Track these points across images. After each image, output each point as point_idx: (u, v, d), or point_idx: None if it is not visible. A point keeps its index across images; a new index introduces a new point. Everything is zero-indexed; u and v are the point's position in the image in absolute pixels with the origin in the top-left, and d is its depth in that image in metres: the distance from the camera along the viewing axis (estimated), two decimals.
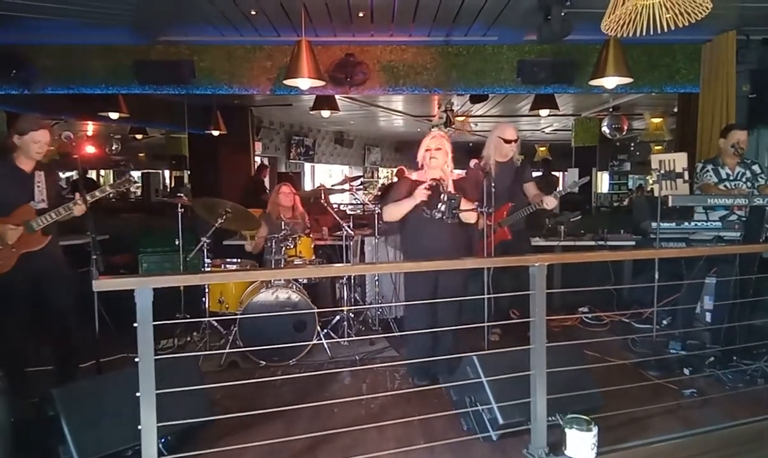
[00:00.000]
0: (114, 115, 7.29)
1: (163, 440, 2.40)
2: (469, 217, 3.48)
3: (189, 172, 10.41)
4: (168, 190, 12.50)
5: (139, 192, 13.06)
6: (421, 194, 3.40)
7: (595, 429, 2.49)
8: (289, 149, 12.09)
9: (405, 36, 5.62)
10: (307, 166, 13.35)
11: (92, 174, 12.25)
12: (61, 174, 10.52)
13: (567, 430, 2.52)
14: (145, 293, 1.90)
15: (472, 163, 3.76)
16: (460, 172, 3.93)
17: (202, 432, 2.76)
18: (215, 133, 8.81)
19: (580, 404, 2.68)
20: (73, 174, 10.24)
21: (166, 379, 2.12)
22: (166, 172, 13.06)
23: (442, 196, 3.30)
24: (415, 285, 3.62)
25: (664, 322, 4.73)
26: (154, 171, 12.45)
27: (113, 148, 11.72)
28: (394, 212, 3.61)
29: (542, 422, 2.54)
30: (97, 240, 2.93)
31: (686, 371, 3.63)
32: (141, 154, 12.64)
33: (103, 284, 1.87)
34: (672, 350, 4.02)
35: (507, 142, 4.27)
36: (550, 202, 4.17)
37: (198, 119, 8.85)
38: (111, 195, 3.67)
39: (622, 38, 4.57)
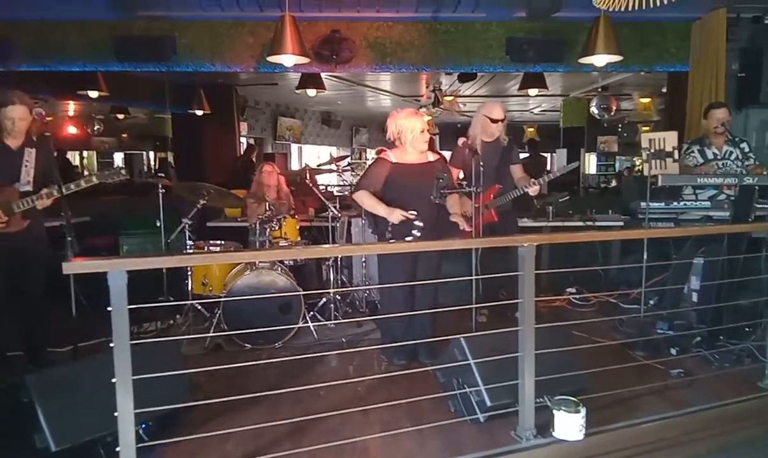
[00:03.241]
0: (93, 94, 7.10)
1: (143, 426, 2.34)
2: (451, 199, 3.43)
3: (173, 153, 10.25)
4: (152, 171, 12.30)
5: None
6: (396, 218, 3.37)
7: (583, 411, 2.47)
8: (275, 129, 11.93)
9: (392, 12, 5.49)
10: (294, 147, 13.20)
11: (74, 156, 12.00)
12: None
13: (555, 412, 2.50)
14: (119, 276, 1.82)
15: (460, 141, 3.70)
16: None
17: (185, 417, 2.70)
18: (199, 112, 8.65)
19: (568, 386, 2.66)
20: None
21: (145, 364, 2.06)
22: (151, 154, 12.86)
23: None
24: (392, 267, 3.56)
25: (651, 302, 4.73)
26: (137, 152, 12.24)
27: (95, 128, 11.45)
28: (367, 205, 3.54)
29: (530, 404, 2.51)
30: (71, 222, 2.83)
31: (673, 351, 3.62)
32: (124, 135, 12.39)
33: (74, 266, 1.79)
34: (659, 330, 4.02)
35: (494, 121, 4.19)
36: (535, 190, 4.13)
37: (181, 98, 8.67)
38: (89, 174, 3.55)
39: (611, 15, 4.52)
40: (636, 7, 2.95)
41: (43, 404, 2.19)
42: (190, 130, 9.14)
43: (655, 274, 4.45)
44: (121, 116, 10.78)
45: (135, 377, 1.88)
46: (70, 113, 10.86)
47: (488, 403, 2.58)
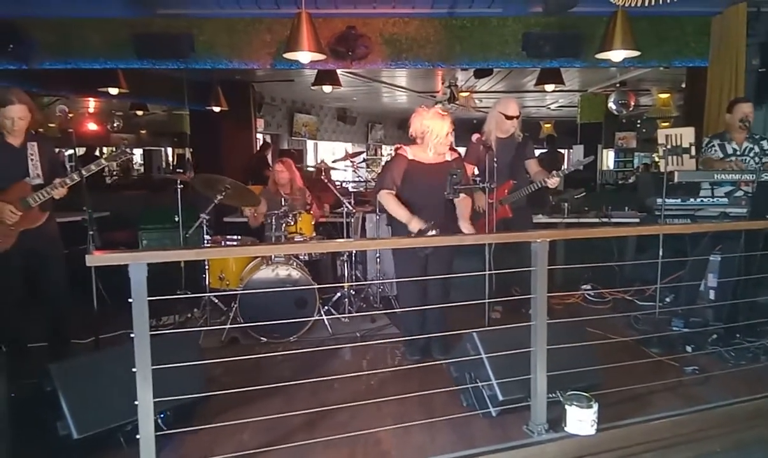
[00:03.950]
0: (114, 91, 7.20)
1: (162, 415, 2.40)
2: (462, 203, 3.44)
3: (191, 149, 10.37)
4: (171, 167, 12.46)
5: (142, 169, 13.03)
6: (414, 228, 3.35)
7: (595, 406, 2.48)
8: (291, 126, 12.01)
9: (408, 8, 5.50)
10: (310, 143, 13.27)
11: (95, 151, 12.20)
12: (63, 150, 10.52)
13: (567, 407, 2.51)
14: (140, 268, 1.87)
15: (474, 137, 3.70)
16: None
17: (201, 407, 2.76)
18: (216, 109, 8.73)
19: (581, 381, 2.66)
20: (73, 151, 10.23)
21: (164, 355, 2.12)
22: (169, 150, 13.02)
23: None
24: (405, 261, 3.58)
25: (667, 300, 4.70)
26: (156, 148, 12.39)
27: (115, 124, 11.64)
28: (390, 208, 3.54)
29: (542, 399, 2.52)
30: (93, 217, 2.89)
31: (688, 348, 3.61)
32: (143, 131, 12.57)
33: (96, 259, 1.84)
34: (674, 327, 4.00)
35: (509, 117, 4.19)
36: (554, 181, 4.10)
37: (199, 95, 8.77)
38: (114, 171, 3.63)
39: (629, 10, 4.48)
40: (653, 3, 2.94)
41: (66, 392, 2.26)
42: (208, 127, 9.24)
43: (671, 271, 4.42)
44: (140, 113, 10.93)
45: (155, 367, 1.93)
46: (91, 110, 11.05)
47: (500, 397, 2.60)
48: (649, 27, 5.51)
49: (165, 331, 2.17)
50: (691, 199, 3.88)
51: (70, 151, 10.15)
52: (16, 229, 3.24)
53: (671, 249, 4.20)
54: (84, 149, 9.92)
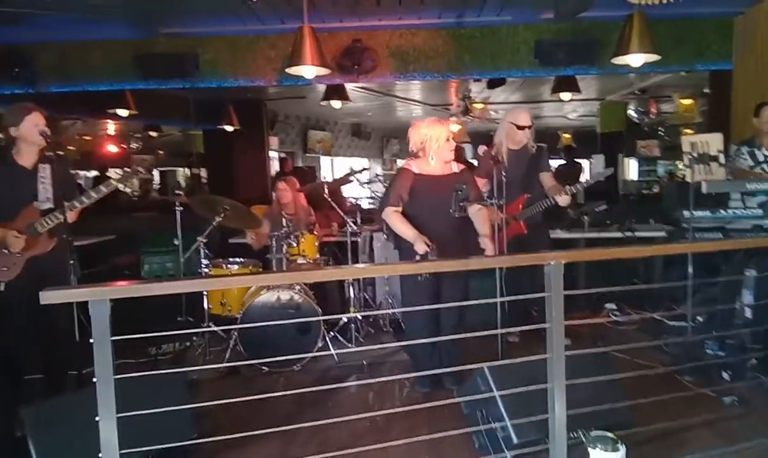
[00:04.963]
0: (123, 112, 7.15)
1: None
2: (479, 216, 3.22)
3: (206, 169, 10.32)
4: (187, 187, 12.44)
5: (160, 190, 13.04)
6: (420, 249, 3.14)
7: (622, 449, 2.20)
8: (305, 143, 11.92)
9: (414, 19, 5.33)
10: (326, 159, 13.15)
11: (111, 173, 12.24)
12: (84, 172, 10.56)
13: (590, 450, 2.24)
14: (101, 306, 1.68)
15: (481, 149, 3.47)
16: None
17: (192, 447, 2.55)
18: (228, 128, 8.66)
19: (607, 419, 2.40)
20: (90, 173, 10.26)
21: (147, 394, 1.93)
22: (184, 171, 13.02)
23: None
24: (414, 289, 3.34)
25: (700, 319, 4.37)
26: (170, 168, 12.41)
27: (133, 146, 11.68)
28: (396, 227, 3.32)
29: (562, 440, 2.26)
30: (73, 245, 2.72)
31: (725, 375, 3.30)
32: (161, 152, 12.60)
33: (51, 296, 1.65)
34: (709, 351, 3.69)
35: (520, 127, 3.96)
36: (565, 200, 3.86)
37: (211, 114, 8.71)
38: (135, 192, 3.47)
39: (647, 12, 4.24)
40: (671, 0, 2.70)
41: (36, 439, 2.08)
42: (221, 146, 9.18)
43: (703, 288, 4.11)
44: (154, 134, 10.93)
45: (121, 414, 1.74)
46: (110, 132, 11.07)
47: (515, 440, 2.34)
48: (667, 30, 5.25)
49: (131, 375, 1.90)
50: (722, 211, 3.60)
51: (92, 173, 10.23)
52: (23, 256, 3.07)
53: (702, 263, 3.89)
54: (99, 172, 9.93)
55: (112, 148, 11.02)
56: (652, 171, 12.95)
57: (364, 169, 5.04)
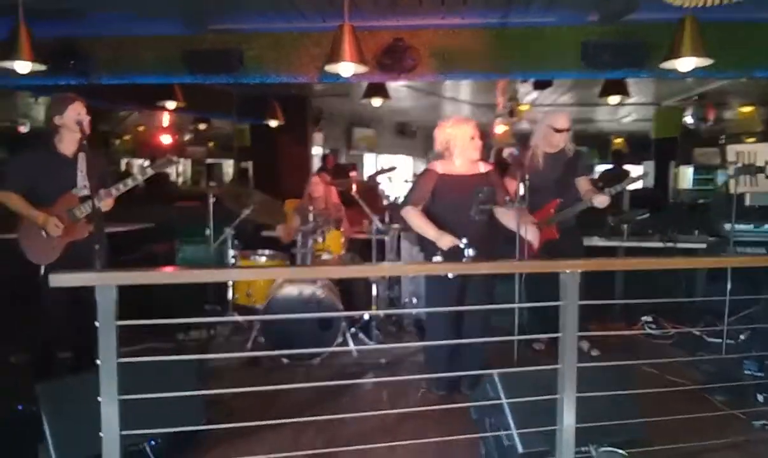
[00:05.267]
0: (171, 105, 7.40)
1: (151, 442, 2.27)
2: (505, 218, 3.15)
3: (252, 163, 10.55)
4: (232, 180, 12.76)
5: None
6: (445, 245, 3.12)
7: None
8: (349, 140, 12.02)
9: (457, 18, 5.27)
10: (370, 156, 13.22)
11: (145, 164, 12.66)
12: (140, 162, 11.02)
13: None
14: (108, 291, 1.75)
15: (506, 152, 3.39)
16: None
17: (200, 433, 2.61)
18: (273, 123, 8.82)
19: (619, 435, 2.31)
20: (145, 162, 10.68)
21: (158, 379, 1.99)
22: (231, 163, 13.35)
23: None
24: (438, 292, 3.30)
25: (742, 337, 4.14)
26: (216, 160, 12.74)
27: (186, 138, 12.09)
28: (416, 225, 3.30)
29: (569, 454, 2.18)
30: (103, 231, 2.83)
31: (761, 398, 3.12)
32: (211, 144, 12.98)
33: (61, 280, 1.73)
34: (747, 371, 3.48)
35: (558, 130, 3.86)
36: (602, 201, 3.71)
37: (257, 109, 8.90)
38: (185, 182, 3.59)
39: (701, 15, 4.04)
40: (715, 3, 2.57)
41: (50, 416, 2.17)
42: (266, 141, 9.37)
43: (745, 303, 3.89)
44: (202, 126, 11.25)
45: (121, 397, 1.79)
46: (164, 123, 11.48)
47: (520, 450, 2.28)
48: (720, 34, 4.96)
49: (134, 360, 1.91)
50: (767, 225, 3.40)
51: (146, 162, 10.67)
52: (62, 241, 3.23)
53: (744, 278, 3.69)
54: (152, 160, 10.29)
55: (165, 139, 11.44)
56: (710, 180, 12.34)
57: (393, 168, 4.99)
